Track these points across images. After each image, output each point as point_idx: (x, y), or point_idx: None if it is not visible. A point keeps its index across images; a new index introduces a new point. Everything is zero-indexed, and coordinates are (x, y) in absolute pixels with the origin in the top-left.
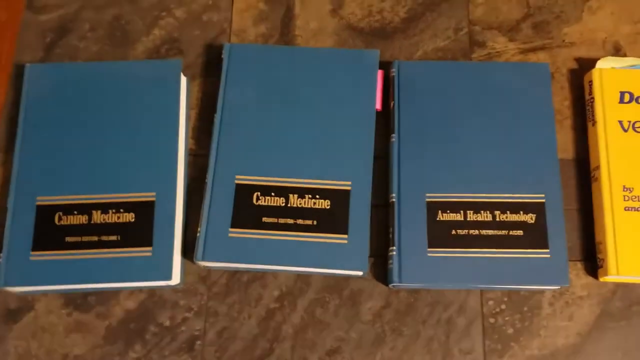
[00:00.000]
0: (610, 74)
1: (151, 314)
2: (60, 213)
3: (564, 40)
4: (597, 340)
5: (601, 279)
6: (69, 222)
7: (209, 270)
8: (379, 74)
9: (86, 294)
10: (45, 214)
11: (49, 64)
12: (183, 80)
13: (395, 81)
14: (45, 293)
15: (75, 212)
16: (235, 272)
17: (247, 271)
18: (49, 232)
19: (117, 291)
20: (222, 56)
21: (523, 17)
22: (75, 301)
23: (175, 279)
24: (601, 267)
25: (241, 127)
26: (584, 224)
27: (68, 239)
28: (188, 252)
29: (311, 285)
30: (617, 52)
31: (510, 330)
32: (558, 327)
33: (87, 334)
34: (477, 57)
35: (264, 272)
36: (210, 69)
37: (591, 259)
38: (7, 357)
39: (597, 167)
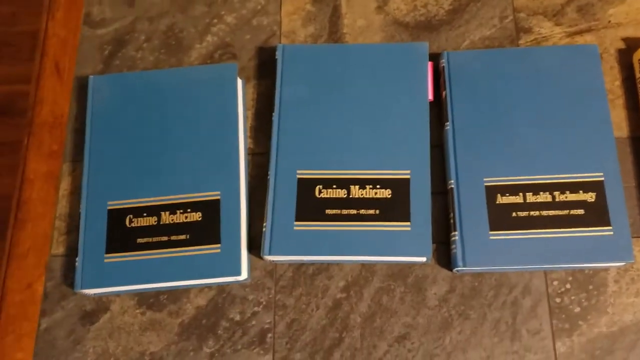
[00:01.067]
0: None
1: (221, 310)
2: (131, 216)
3: (609, 22)
4: None
5: None
6: (139, 224)
7: (274, 264)
8: (429, 65)
9: (158, 293)
10: (116, 217)
11: (112, 75)
12: (239, 82)
13: (446, 71)
14: (118, 294)
15: (145, 214)
16: (301, 265)
17: (312, 263)
18: (120, 234)
19: (187, 289)
20: (276, 57)
21: (567, 0)
22: (148, 301)
23: (244, 274)
24: None
25: (299, 124)
26: None
27: (139, 240)
28: (253, 248)
29: (376, 274)
30: None
31: (577, 309)
32: (625, 303)
33: (162, 332)
34: (524, 43)
35: (328, 264)
36: (263, 70)
37: None
38: (86, 358)
39: None
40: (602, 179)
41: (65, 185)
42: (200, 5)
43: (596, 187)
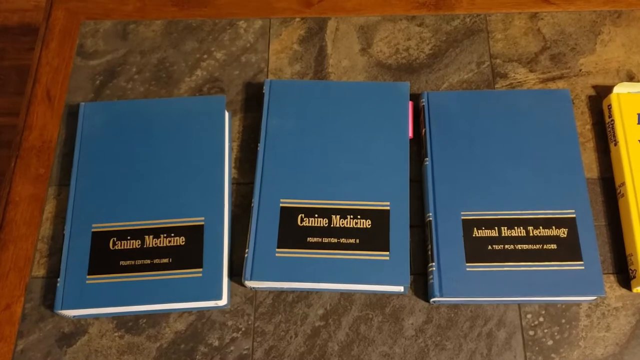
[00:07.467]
0: (627, 98)
1: (200, 335)
2: (115, 238)
3: (580, 70)
4: (636, 349)
5: (634, 290)
6: (122, 247)
7: (254, 291)
8: (409, 104)
9: (137, 317)
10: (100, 239)
11: (103, 102)
12: (225, 115)
13: (426, 110)
14: (97, 317)
15: (129, 237)
16: (281, 293)
17: (292, 291)
18: (104, 256)
19: (167, 314)
20: (263, 91)
21: (541, 49)
22: (127, 324)
23: (224, 300)
24: (634, 278)
25: (284, 154)
26: (614, 238)
27: (122, 262)
28: (234, 275)
29: (354, 303)
30: (631, 79)
31: (550, 342)
32: (596, 337)
33: (139, 356)
34: (500, 87)
35: (308, 292)
36: (249, 104)
37: (623, 271)
38: None
39: (623, 184)
40: (574, 215)
41: (50, 208)
42: (191, 41)
43: (568, 223)
